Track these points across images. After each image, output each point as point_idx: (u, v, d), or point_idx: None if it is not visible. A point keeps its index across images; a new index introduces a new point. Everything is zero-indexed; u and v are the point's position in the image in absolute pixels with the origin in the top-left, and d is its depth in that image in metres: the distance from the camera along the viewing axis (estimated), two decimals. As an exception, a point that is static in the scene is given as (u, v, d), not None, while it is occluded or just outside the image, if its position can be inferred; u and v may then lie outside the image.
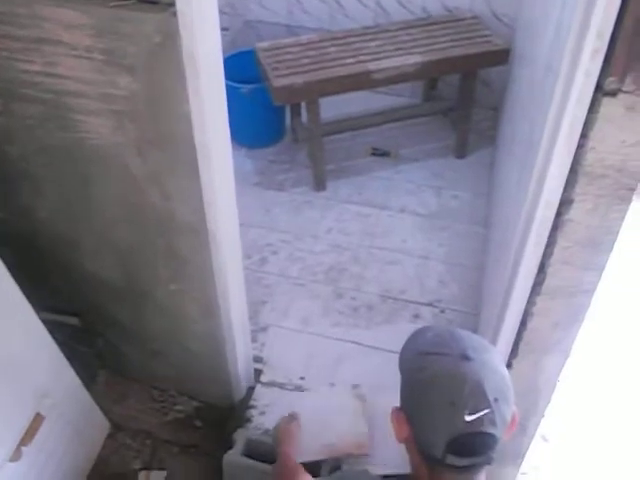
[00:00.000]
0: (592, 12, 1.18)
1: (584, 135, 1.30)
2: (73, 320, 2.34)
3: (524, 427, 1.94)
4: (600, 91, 1.24)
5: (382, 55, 3.12)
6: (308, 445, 2.01)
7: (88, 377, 2.29)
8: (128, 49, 1.47)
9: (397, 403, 1.23)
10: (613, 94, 1.23)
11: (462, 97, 3.40)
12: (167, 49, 1.44)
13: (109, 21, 1.44)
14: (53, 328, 1.95)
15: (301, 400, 2.18)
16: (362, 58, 3.11)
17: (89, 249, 2.05)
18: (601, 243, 1.43)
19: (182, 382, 2.46)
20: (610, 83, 1.22)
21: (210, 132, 1.59)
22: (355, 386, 2.20)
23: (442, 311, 2.77)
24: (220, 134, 1.66)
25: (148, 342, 2.32)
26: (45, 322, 1.90)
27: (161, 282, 2.04)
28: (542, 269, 1.54)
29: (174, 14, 1.37)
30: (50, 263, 2.14)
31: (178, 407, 2.48)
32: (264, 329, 2.69)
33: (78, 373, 2.12)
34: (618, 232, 1.40)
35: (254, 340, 2.53)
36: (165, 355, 2.34)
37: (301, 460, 1.95)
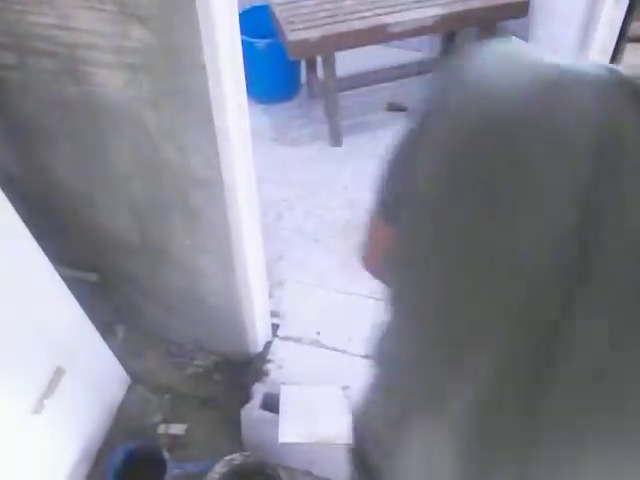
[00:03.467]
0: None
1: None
2: (92, 276, 2.36)
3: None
4: (624, 37, 1.21)
5: (399, 8, 3.07)
6: (294, 428, 2.11)
7: (107, 332, 2.32)
8: (141, -1, 1.46)
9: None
10: (638, 40, 1.21)
11: (480, 50, 3.34)
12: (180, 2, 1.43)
13: (121, -30, 1.42)
14: (72, 284, 1.97)
15: (290, 389, 2.23)
16: (379, 11, 3.06)
17: (104, 205, 2.06)
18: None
19: (200, 337, 2.48)
20: (635, 29, 1.20)
21: (225, 84, 1.58)
22: (345, 387, 2.26)
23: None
24: (235, 87, 1.64)
25: (165, 297, 2.34)
26: (64, 278, 1.92)
27: (176, 237, 2.05)
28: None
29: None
30: (66, 219, 2.15)
31: (197, 362, 2.50)
32: (280, 284, 2.70)
33: (97, 328, 2.14)
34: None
35: (271, 295, 2.54)
36: (182, 310, 2.36)
37: (284, 441, 2.02)
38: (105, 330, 2.26)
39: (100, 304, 2.30)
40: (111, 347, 2.27)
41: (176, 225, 2.01)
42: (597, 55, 1.25)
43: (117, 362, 2.33)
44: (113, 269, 2.31)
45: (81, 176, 1.98)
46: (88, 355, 2.11)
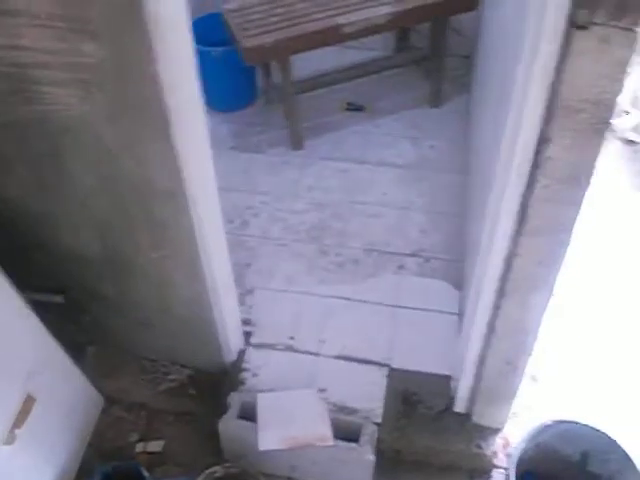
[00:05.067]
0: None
1: (558, 70, 1.29)
2: (57, 298, 2.32)
3: (514, 366, 1.96)
4: (572, 25, 1.23)
5: (351, 8, 3.07)
6: (273, 435, 2.11)
7: (77, 354, 2.28)
8: (90, 14, 1.44)
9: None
10: (585, 27, 1.22)
11: (434, 46, 3.37)
12: (131, 11, 1.41)
13: (68, -15, 1.40)
14: (38, 307, 1.94)
15: (267, 396, 2.24)
16: (331, 12, 3.06)
17: (66, 224, 2.03)
18: (580, 178, 1.42)
19: (172, 351, 2.46)
20: (582, 16, 1.21)
21: (181, 94, 1.57)
22: (321, 390, 2.28)
23: (427, 260, 2.77)
24: (191, 96, 1.63)
25: (134, 313, 2.31)
26: (29, 302, 1.88)
27: (142, 251, 2.03)
28: (523, 209, 1.54)
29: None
30: (28, 241, 2.11)
31: (171, 376, 2.48)
32: (250, 291, 2.68)
33: (67, 351, 2.11)
34: (595, 166, 1.40)
35: (241, 303, 2.52)
36: (153, 325, 2.33)
37: (264, 448, 2.03)
38: (75, 352, 2.22)
39: (68, 325, 2.26)
40: (82, 369, 2.24)
41: (141, 239, 1.99)
42: (548, 43, 1.27)
43: (89, 384, 2.30)
44: (79, 288, 2.28)
45: (40, 196, 1.95)
46: (58, 380, 2.08)
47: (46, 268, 2.21)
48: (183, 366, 2.49)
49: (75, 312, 2.37)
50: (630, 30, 1.20)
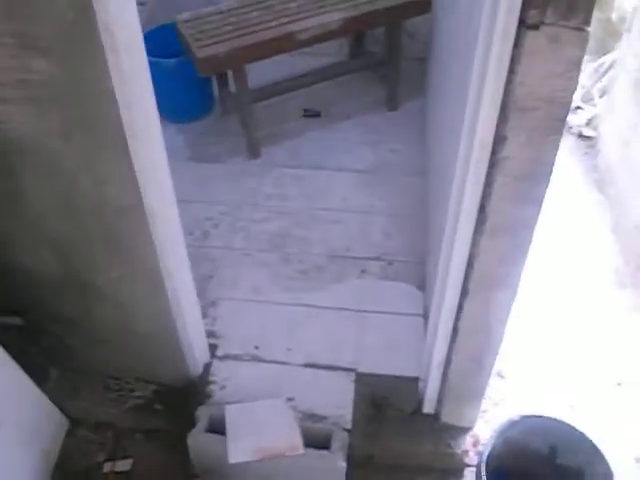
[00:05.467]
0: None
1: (512, 70, 1.31)
2: (16, 320, 2.28)
3: (480, 365, 1.97)
4: (523, 25, 1.25)
5: (304, 15, 3.08)
6: (243, 447, 2.09)
7: (39, 376, 2.23)
8: (40, 30, 1.41)
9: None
10: (536, 27, 1.24)
11: (389, 50, 3.39)
12: (82, 26, 1.39)
13: (17, 1, 1.37)
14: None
15: (235, 408, 2.22)
16: (284, 20, 3.06)
17: (23, 244, 1.99)
18: (538, 176, 1.44)
19: (136, 367, 2.42)
20: (532, 16, 1.23)
21: (136, 109, 1.55)
22: (289, 399, 2.27)
23: (389, 263, 2.78)
24: (147, 110, 1.61)
25: (96, 332, 2.27)
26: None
27: (102, 269, 2.00)
28: (483, 208, 1.55)
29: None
30: (-16, 262, 2.07)
31: (136, 393, 2.44)
32: (214, 303, 2.66)
33: (28, 373, 2.07)
34: (553, 163, 1.42)
35: (205, 315, 2.50)
36: (115, 342, 2.29)
37: (234, 461, 2.01)
38: (37, 374, 2.18)
39: (29, 347, 2.22)
40: (45, 391, 2.20)
41: (101, 257, 1.96)
42: (500, 44, 1.28)
43: (53, 406, 2.25)
44: (40, 309, 2.23)
45: (-5, 217, 1.91)
46: (21, 404, 2.03)
47: (3, 289, 2.16)
48: (148, 382, 2.46)
49: (35, 333, 2.32)
50: (580, 30, 1.22)
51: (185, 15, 3.14)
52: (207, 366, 2.44)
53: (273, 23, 3.05)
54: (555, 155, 1.40)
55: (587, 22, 1.21)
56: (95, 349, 2.34)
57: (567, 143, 3.45)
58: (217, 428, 2.16)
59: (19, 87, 1.52)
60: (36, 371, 2.17)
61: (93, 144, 1.63)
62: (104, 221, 1.83)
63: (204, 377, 2.41)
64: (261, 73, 3.26)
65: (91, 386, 2.44)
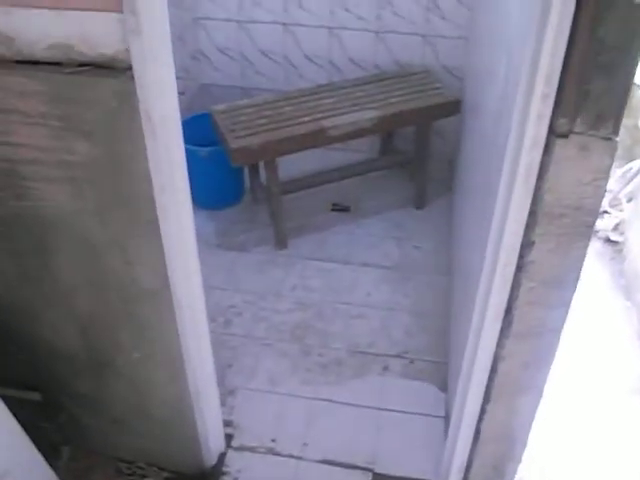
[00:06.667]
0: (539, 58, 1.21)
1: (541, 177, 1.33)
2: (35, 395, 2.26)
3: (502, 472, 1.92)
4: (553, 133, 1.27)
5: (337, 112, 3.17)
6: None
7: (51, 453, 2.20)
8: (85, 115, 1.47)
9: None
10: (565, 136, 1.26)
11: (418, 149, 3.45)
12: (124, 113, 1.45)
13: (65, 87, 1.44)
14: (13, 404, 1.88)
15: None
16: (317, 116, 3.15)
17: (47, 320, 2.00)
18: (565, 281, 1.44)
19: (150, 452, 2.38)
20: (562, 125, 1.26)
21: (170, 193, 1.59)
22: None
23: (411, 362, 2.75)
24: (180, 194, 1.65)
25: (112, 413, 2.25)
26: (4, 398, 1.83)
27: (123, 349, 2.00)
28: (509, 311, 1.54)
29: (131, 78, 1.38)
30: (7, 336, 2.08)
31: (148, 479, 2.39)
32: (232, 392, 2.63)
33: (41, 450, 2.04)
34: (580, 268, 1.42)
35: (222, 404, 2.46)
36: (130, 425, 2.27)
37: None
38: (50, 451, 2.14)
39: (43, 423, 2.20)
40: (56, 470, 2.15)
41: (123, 337, 1.96)
42: (529, 151, 1.31)
43: (63, 485, 2.21)
44: (57, 386, 2.22)
45: (23, 291, 1.93)
46: (31, 480, 2.00)
47: (23, 364, 2.16)
48: (161, 468, 2.41)
49: (51, 410, 2.30)
50: (609, 139, 1.24)
51: (221, 106, 3.25)
52: (222, 456, 2.39)
53: (306, 118, 3.13)
54: (582, 261, 1.41)
55: (616, 132, 1.24)
56: (110, 430, 2.32)
57: (594, 248, 3.44)
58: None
59: (61, 167, 1.57)
60: (49, 449, 2.14)
61: (125, 224, 1.66)
62: (129, 301, 1.84)
63: (218, 467, 2.36)
64: (292, 165, 3.33)
65: (103, 468, 2.40)
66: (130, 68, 1.37)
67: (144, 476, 2.39)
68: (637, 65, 1.18)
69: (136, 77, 1.38)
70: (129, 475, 2.39)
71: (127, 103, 1.42)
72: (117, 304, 1.86)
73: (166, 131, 1.50)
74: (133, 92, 1.40)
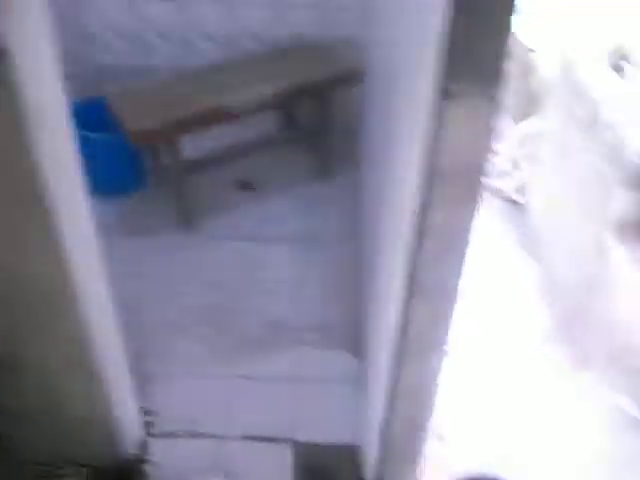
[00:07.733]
0: (428, 22, 1.23)
1: (433, 138, 1.35)
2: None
3: (419, 428, 1.97)
4: (442, 95, 1.29)
5: (237, 88, 3.14)
6: None
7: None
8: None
9: None
10: (453, 97, 1.29)
11: (320, 122, 3.46)
12: (3, 100, 1.38)
13: None
14: None
15: None
16: (216, 93, 3.11)
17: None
18: (460, 239, 1.48)
19: (68, 451, 2.32)
20: (449, 87, 1.28)
21: (63, 183, 1.54)
22: (227, 474, 2.24)
23: (325, 332, 2.78)
24: (74, 184, 1.60)
25: (23, 415, 2.17)
26: None
27: (27, 344, 1.93)
28: (412, 273, 1.57)
29: (8, 62, 1.32)
30: None
31: (68, 478, 2.33)
32: (149, 379, 2.60)
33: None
34: (473, 228, 1.46)
35: (140, 392, 2.44)
36: (44, 426, 2.19)
37: None
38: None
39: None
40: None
41: (24, 330, 1.89)
42: (420, 113, 1.33)
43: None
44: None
45: None
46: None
47: None
48: (82, 465, 2.35)
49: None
50: (492, 98, 1.28)
51: (117, 89, 3.17)
52: (143, 445, 2.37)
53: (205, 96, 3.10)
54: (474, 219, 1.44)
55: (498, 90, 1.27)
56: (24, 434, 2.23)
57: (498, 208, 3.55)
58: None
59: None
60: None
61: (18, 220, 1.60)
62: (31, 299, 1.78)
63: (139, 457, 2.34)
64: (194, 144, 3.28)
65: (17, 477, 2.32)
66: (5, 52, 1.31)
67: (64, 476, 2.33)
68: (511, 27, 1.21)
69: (14, 61, 1.32)
70: (48, 478, 2.32)
71: (5, 90, 1.36)
72: (17, 303, 1.80)
73: (51, 118, 1.45)
74: (11, 77, 1.34)
